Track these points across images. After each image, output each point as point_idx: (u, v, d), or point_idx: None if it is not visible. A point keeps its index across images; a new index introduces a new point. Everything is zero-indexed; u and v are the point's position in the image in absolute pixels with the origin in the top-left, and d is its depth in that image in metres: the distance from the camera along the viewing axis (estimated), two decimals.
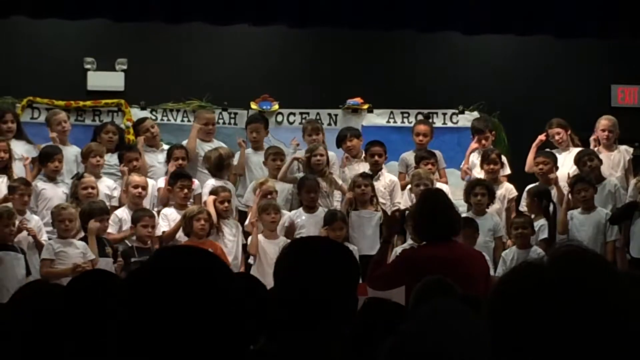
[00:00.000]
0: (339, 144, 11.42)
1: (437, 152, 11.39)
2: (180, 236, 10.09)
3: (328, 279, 2.81)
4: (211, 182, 10.69)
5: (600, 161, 10.83)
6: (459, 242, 6.54)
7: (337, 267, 2.86)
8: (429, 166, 10.92)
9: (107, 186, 10.57)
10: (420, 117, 12.26)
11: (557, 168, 10.93)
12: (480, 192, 10.32)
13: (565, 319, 1.40)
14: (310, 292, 2.79)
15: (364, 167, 11.10)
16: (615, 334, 1.37)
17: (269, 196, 10.41)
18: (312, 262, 2.86)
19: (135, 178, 10.37)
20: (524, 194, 10.71)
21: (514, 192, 10.92)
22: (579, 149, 11.22)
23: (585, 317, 1.40)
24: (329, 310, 2.77)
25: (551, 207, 10.47)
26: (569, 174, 10.80)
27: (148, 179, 10.64)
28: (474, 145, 11.49)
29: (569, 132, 11.32)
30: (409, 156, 11.44)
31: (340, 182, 10.87)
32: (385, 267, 6.43)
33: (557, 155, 11.09)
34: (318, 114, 12.30)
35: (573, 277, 1.45)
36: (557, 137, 11.29)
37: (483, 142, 11.43)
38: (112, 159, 10.92)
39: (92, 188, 10.14)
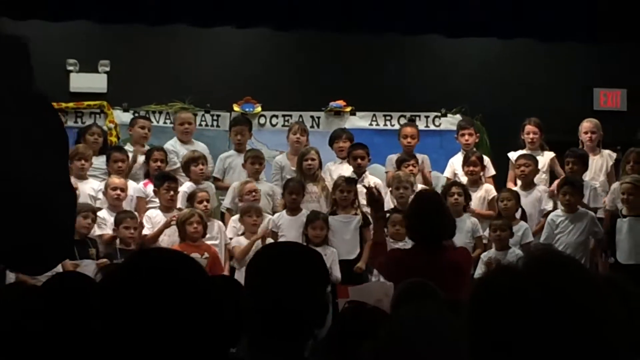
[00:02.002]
0: (331, 142, 11.43)
1: (424, 156, 11.40)
2: (163, 240, 10.02)
3: (297, 283, 2.80)
4: (187, 185, 10.66)
5: (584, 168, 10.81)
6: (449, 245, 6.48)
7: (306, 272, 2.85)
8: (410, 168, 10.92)
9: (92, 188, 10.52)
10: (403, 120, 12.27)
11: (538, 171, 10.95)
12: (456, 191, 10.33)
13: (539, 322, 1.40)
14: (279, 297, 2.78)
15: (348, 168, 11.09)
16: (587, 336, 1.38)
17: (253, 194, 10.35)
18: (281, 267, 2.86)
19: (115, 180, 10.31)
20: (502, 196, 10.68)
21: (493, 193, 10.90)
22: (550, 153, 11.24)
23: (557, 320, 1.41)
24: (299, 315, 2.76)
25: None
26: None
27: (129, 181, 10.60)
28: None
29: (542, 137, 11.32)
30: (395, 157, 11.42)
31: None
32: (381, 260, 6.43)
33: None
34: (301, 116, 12.31)
35: (546, 281, 1.46)
36: (531, 135, 11.23)
37: (466, 137, 11.44)
38: (97, 160, 10.86)
39: (75, 188, 10.06)
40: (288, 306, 2.75)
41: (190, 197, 10.29)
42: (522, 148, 11.26)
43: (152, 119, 12.04)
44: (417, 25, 11.21)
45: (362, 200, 10.66)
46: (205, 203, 10.21)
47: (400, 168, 10.93)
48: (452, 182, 10.74)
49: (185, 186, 10.63)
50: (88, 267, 9.27)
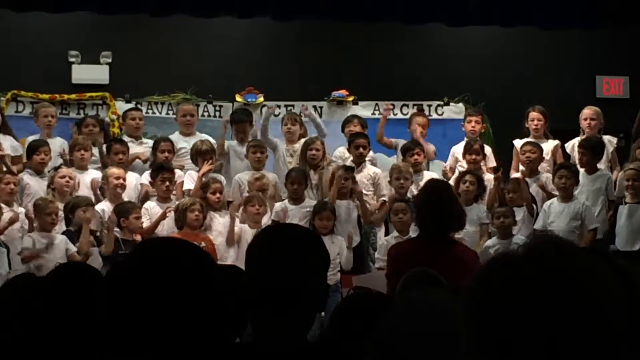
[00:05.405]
0: (343, 128, 11.49)
1: (431, 146, 11.39)
2: (164, 229, 10.00)
3: (297, 265, 2.79)
4: (192, 171, 10.67)
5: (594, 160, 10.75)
6: (456, 239, 6.39)
7: (307, 254, 2.84)
8: (415, 157, 10.88)
9: (94, 178, 10.54)
10: (406, 109, 12.27)
11: (543, 159, 10.93)
12: (469, 180, 10.31)
13: (541, 310, 1.40)
14: (279, 279, 2.77)
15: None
16: (591, 323, 1.38)
17: (261, 193, 10.33)
18: (281, 248, 2.84)
19: (114, 170, 10.29)
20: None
21: None
22: (554, 141, 11.22)
23: (560, 308, 1.41)
24: (298, 297, 2.75)
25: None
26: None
27: (130, 172, 10.58)
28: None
29: (546, 125, 11.29)
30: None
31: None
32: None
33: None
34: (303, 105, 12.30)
35: (548, 268, 1.46)
36: (535, 122, 11.18)
37: (473, 124, 11.43)
38: (95, 151, 10.86)
39: (70, 178, 10.08)
40: (286, 288, 2.73)
41: (204, 187, 10.29)
42: (526, 136, 11.23)
43: (155, 110, 12.06)
44: (419, 14, 11.21)
45: (365, 191, 10.68)
46: (218, 195, 10.21)
47: (406, 156, 10.89)
48: (466, 171, 10.68)
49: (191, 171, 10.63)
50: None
